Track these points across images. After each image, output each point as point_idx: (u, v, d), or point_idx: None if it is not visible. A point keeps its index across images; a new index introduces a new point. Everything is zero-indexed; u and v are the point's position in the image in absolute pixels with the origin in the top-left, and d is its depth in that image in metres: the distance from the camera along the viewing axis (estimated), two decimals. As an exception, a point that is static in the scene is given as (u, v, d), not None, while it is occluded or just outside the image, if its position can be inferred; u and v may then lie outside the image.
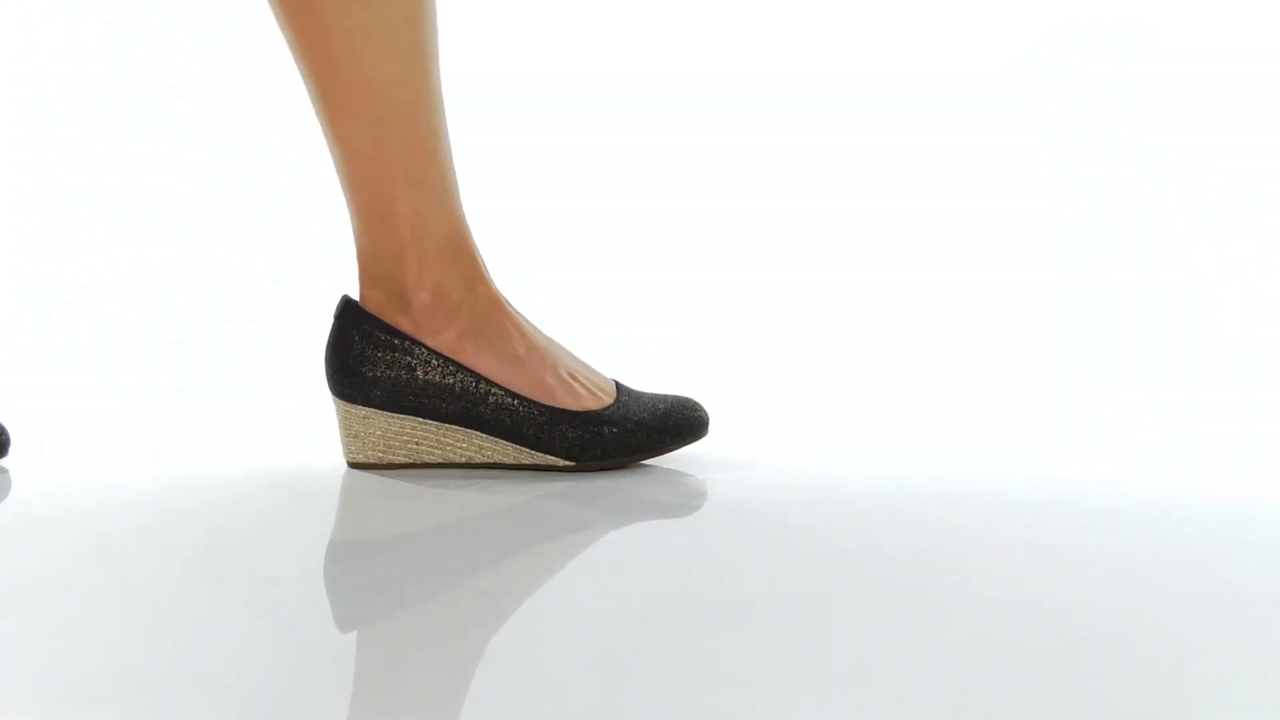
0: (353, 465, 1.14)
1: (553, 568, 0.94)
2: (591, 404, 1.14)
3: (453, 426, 1.12)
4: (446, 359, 1.12)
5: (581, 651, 0.75)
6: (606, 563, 0.94)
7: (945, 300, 1.96)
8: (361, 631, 0.78)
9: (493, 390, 1.12)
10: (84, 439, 1.28)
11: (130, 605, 0.81)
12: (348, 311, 1.12)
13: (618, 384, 1.16)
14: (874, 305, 1.93)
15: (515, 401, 1.12)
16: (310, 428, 1.27)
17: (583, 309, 1.35)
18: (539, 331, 1.16)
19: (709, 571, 0.90)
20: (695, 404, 1.17)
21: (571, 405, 1.13)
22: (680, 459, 1.17)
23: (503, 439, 1.13)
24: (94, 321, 1.95)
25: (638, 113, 2.30)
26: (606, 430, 1.13)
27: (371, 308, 1.13)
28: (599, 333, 1.39)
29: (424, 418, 1.12)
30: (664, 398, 1.17)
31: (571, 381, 1.14)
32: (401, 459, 1.13)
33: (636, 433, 1.14)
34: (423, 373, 1.12)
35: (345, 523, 1.04)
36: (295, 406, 1.42)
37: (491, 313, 1.14)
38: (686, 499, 1.11)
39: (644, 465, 1.15)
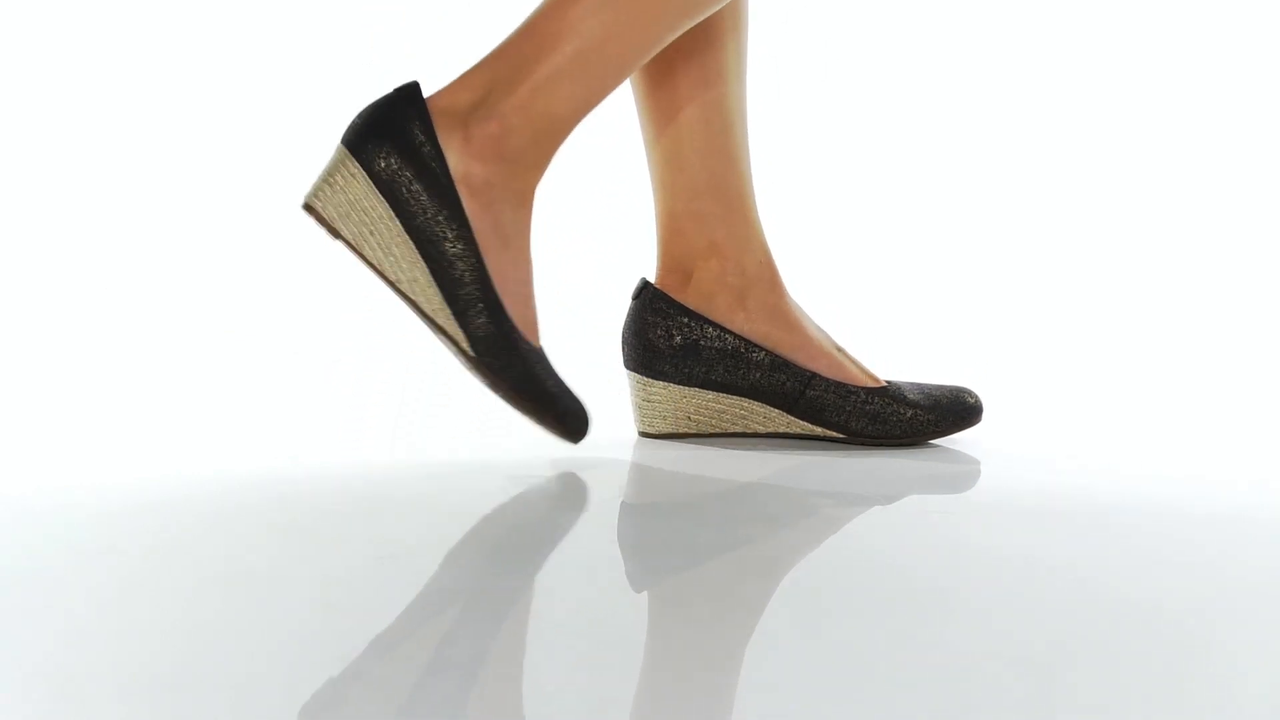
0: (644, 435, 1.26)
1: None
2: (871, 384, 1.23)
3: (736, 398, 1.23)
4: (738, 335, 1.22)
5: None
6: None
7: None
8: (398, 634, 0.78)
9: (786, 364, 1.21)
10: (78, 439, 1.28)
11: (151, 603, 0.81)
12: (645, 291, 1.24)
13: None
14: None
15: (804, 374, 1.22)
16: (310, 426, 1.27)
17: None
18: (809, 317, 1.26)
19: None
20: (970, 392, 1.25)
21: (864, 382, 1.23)
22: (954, 442, 1.26)
23: (788, 411, 1.23)
24: (93, 320, 1.95)
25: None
26: (898, 409, 1.22)
27: (666, 288, 1.24)
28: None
29: (711, 390, 1.23)
30: (936, 385, 1.26)
31: (849, 363, 1.24)
32: (686, 429, 1.25)
33: (921, 415, 1.22)
34: (712, 347, 1.22)
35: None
36: (291, 406, 1.42)
37: (777, 296, 1.23)
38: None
39: (925, 445, 1.24)
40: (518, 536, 0.98)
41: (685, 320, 1.23)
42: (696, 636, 0.78)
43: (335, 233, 1.08)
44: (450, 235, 1.08)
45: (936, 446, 1.24)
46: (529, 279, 1.13)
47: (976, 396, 1.25)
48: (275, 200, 2.42)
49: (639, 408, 1.26)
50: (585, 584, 0.87)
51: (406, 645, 0.75)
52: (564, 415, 1.12)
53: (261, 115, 2.35)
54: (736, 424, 1.25)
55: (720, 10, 1.21)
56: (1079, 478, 1.17)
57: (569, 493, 1.07)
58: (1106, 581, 0.87)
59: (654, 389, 1.24)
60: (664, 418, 1.25)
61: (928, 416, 1.23)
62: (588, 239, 2.19)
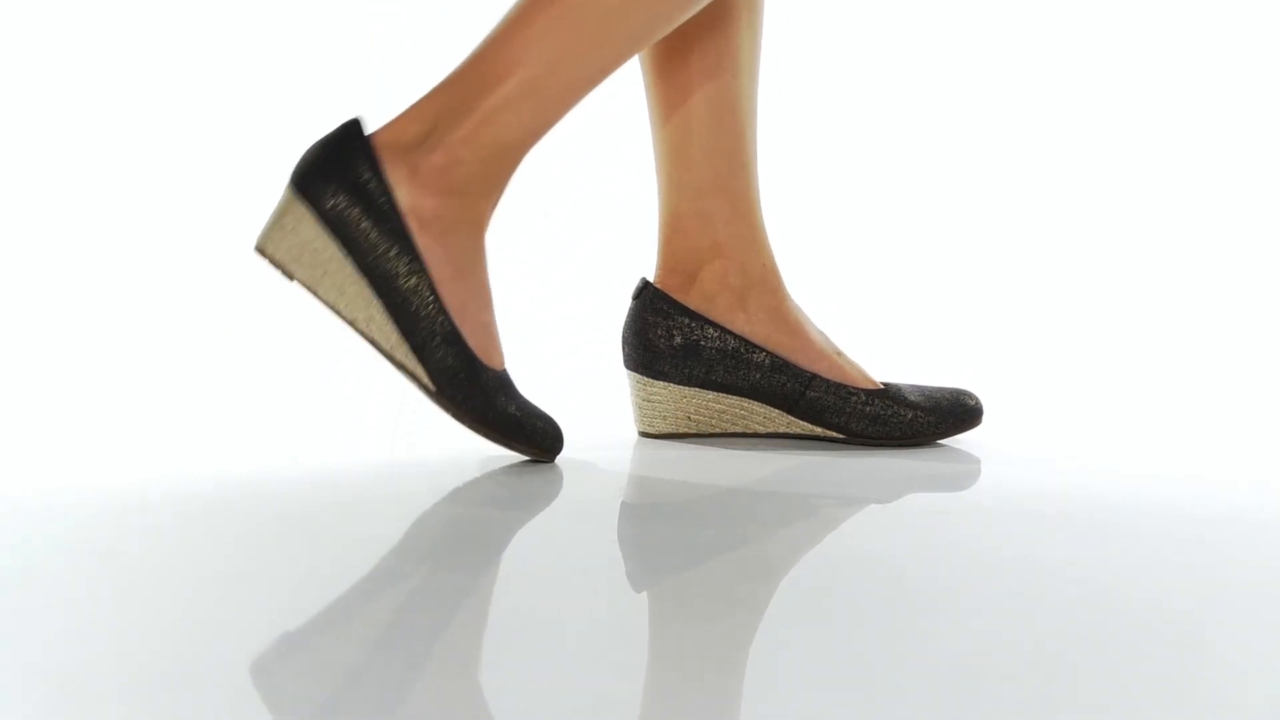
0: (644, 435, 1.27)
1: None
2: (871, 387, 1.24)
3: (736, 398, 1.24)
4: (739, 336, 1.23)
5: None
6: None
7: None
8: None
9: (786, 365, 1.23)
10: (78, 439, 1.28)
11: (151, 603, 0.81)
12: (645, 292, 1.25)
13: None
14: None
15: (804, 376, 1.23)
16: (305, 424, 1.27)
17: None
18: (810, 320, 1.26)
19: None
20: (971, 394, 1.26)
21: (864, 385, 1.24)
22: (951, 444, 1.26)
23: (788, 412, 1.24)
24: (94, 318, 1.95)
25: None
26: (898, 411, 1.23)
27: (667, 288, 1.25)
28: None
29: (711, 390, 1.24)
30: (936, 387, 1.26)
31: (849, 366, 1.24)
32: (686, 429, 1.25)
33: (921, 417, 1.23)
34: (713, 348, 1.23)
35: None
36: (291, 404, 1.42)
37: (778, 298, 1.24)
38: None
39: (925, 446, 1.24)
40: (518, 537, 0.98)
41: (686, 320, 1.23)
42: (696, 636, 0.77)
43: (289, 275, 1.08)
44: (403, 270, 1.07)
45: (936, 447, 1.24)
46: (488, 305, 1.12)
47: (977, 399, 1.25)
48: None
49: (639, 408, 1.26)
50: (585, 584, 0.87)
51: (406, 645, 0.75)
52: (533, 436, 1.12)
53: (261, 115, 2.35)
54: (737, 424, 1.25)
55: (737, 10, 1.21)
56: (1079, 478, 1.17)
57: (569, 493, 1.07)
58: (1106, 582, 0.87)
59: (654, 389, 1.24)
60: (664, 418, 1.25)
61: (928, 418, 1.23)
62: (588, 238, 2.19)
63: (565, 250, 2.18)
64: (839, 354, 1.25)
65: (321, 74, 2.31)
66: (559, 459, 1.15)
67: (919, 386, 1.25)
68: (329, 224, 1.07)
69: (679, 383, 1.24)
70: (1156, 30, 2.43)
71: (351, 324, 1.08)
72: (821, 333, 1.26)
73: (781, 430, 1.25)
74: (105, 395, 1.48)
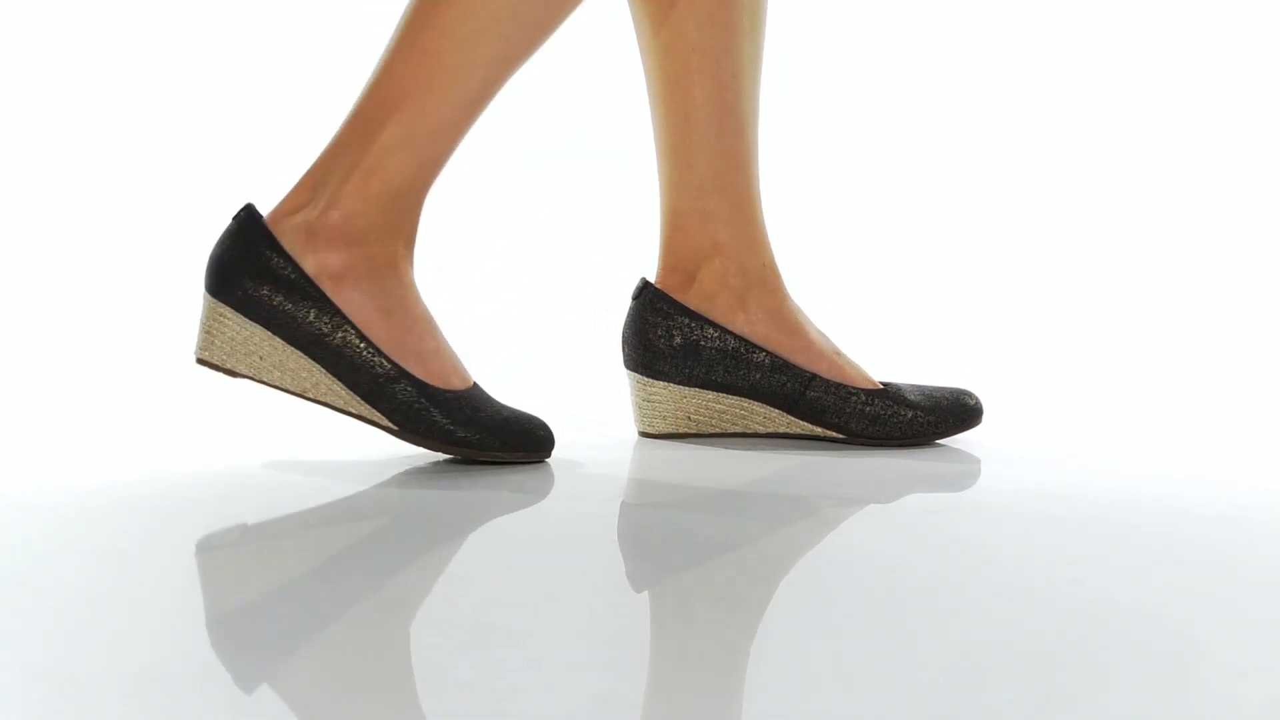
0: (644, 435, 1.27)
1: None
2: (869, 387, 1.24)
3: (736, 398, 1.24)
4: (739, 336, 1.23)
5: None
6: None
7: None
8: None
9: (786, 366, 1.23)
10: (78, 439, 1.28)
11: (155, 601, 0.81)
12: (645, 292, 1.25)
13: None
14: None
15: (804, 376, 1.23)
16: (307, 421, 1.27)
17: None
18: (810, 320, 1.26)
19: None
20: (970, 394, 1.25)
21: (863, 385, 1.24)
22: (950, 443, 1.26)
23: (788, 412, 1.24)
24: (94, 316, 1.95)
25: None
26: (898, 410, 1.22)
27: (667, 287, 1.25)
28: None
29: (711, 390, 1.24)
30: (936, 387, 1.26)
31: (848, 367, 1.25)
32: (687, 429, 1.25)
33: (921, 416, 1.22)
34: (713, 348, 1.23)
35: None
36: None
37: (778, 299, 1.25)
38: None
39: (925, 446, 1.24)
40: (518, 537, 0.98)
41: (686, 321, 1.23)
42: (696, 636, 0.77)
43: (233, 373, 1.11)
44: (326, 328, 1.09)
45: (936, 447, 1.24)
46: (429, 333, 1.13)
47: (977, 398, 1.25)
48: (274, 201, 2.41)
49: (639, 408, 1.26)
50: (585, 584, 0.87)
51: (405, 645, 0.75)
52: (512, 441, 1.12)
53: (262, 115, 2.35)
54: (737, 424, 1.25)
55: (739, 11, 1.21)
56: (1079, 478, 1.17)
57: (569, 493, 1.07)
58: (1106, 582, 0.87)
59: (654, 389, 1.24)
60: (664, 418, 1.25)
61: (928, 418, 1.23)
62: (587, 238, 2.19)
63: (564, 250, 2.19)
64: (838, 354, 1.25)
65: (321, 74, 2.31)
66: (558, 460, 1.15)
67: (919, 386, 1.25)
68: (248, 312, 1.10)
69: (679, 383, 1.24)
70: (1157, 30, 2.43)
71: (302, 395, 1.11)
72: (821, 333, 1.26)
73: (781, 430, 1.25)
74: (105, 395, 1.48)
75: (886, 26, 2.46)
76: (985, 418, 1.26)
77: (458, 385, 1.12)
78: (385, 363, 1.10)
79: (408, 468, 1.13)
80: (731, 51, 1.22)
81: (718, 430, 1.25)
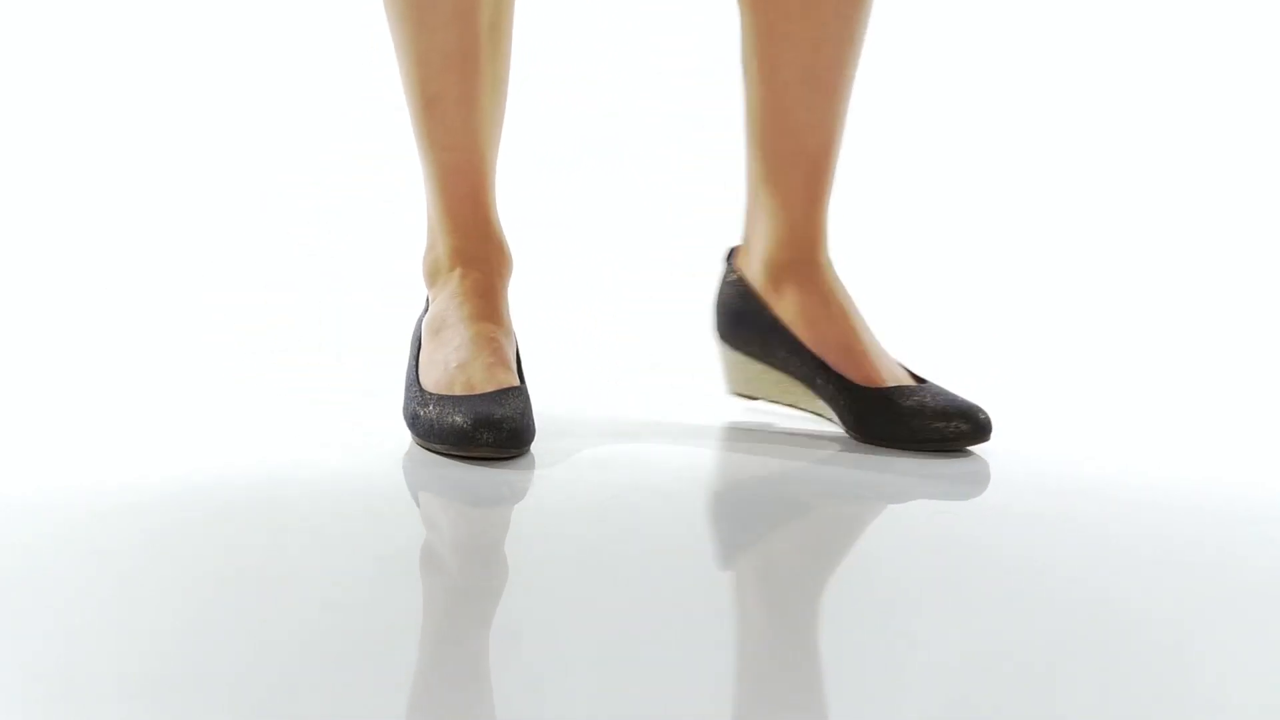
0: (732, 394, 1.40)
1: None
2: (880, 385, 1.26)
3: (788, 377, 1.33)
4: (785, 328, 1.31)
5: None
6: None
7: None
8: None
9: (801, 349, 1.30)
10: (78, 439, 1.28)
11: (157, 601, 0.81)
12: (729, 260, 1.38)
13: (910, 372, 1.29)
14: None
15: (815, 363, 1.28)
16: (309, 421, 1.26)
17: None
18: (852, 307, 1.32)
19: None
20: (981, 409, 1.23)
21: (876, 383, 1.25)
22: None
23: (828, 403, 1.29)
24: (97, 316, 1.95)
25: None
26: (905, 413, 1.22)
27: (746, 273, 1.35)
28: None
29: (769, 365, 1.34)
30: (948, 395, 1.25)
31: (864, 361, 1.27)
32: (760, 396, 1.37)
33: (937, 423, 1.22)
34: (766, 324, 1.33)
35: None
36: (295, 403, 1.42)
37: (817, 283, 1.31)
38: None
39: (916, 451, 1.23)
40: (517, 537, 0.98)
41: (753, 298, 1.34)
42: (696, 636, 0.77)
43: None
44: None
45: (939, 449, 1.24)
46: (451, 346, 1.21)
47: (987, 414, 1.22)
48: (274, 201, 2.42)
49: (725, 372, 1.39)
50: (585, 585, 0.87)
51: (403, 646, 0.75)
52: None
53: (262, 115, 2.35)
54: (786, 398, 1.34)
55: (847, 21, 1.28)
56: (1081, 478, 1.16)
57: (568, 494, 1.07)
58: (1106, 582, 0.87)
59: (737, 357, 1.37)
60: (741, 384, 1.38)
61: (935, 424, 1.21)
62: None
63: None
64: (852, 348, 1.27)
65: (321, 74, 2.31)
66: (560, 460, 1.15)
67: (931, 388, 1.24)
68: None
69: (754, 357, 1.35)
70: (1165, 32, 2.43)
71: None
72: (853, 325, 1.29)
73: (815, 411, 1.32)
74: (105, 395, 1.48)
75: (896, 26, 2.46)
76: (994, 425, 1.24)
77: (462, 390, 1.17)
78: (414, 380, 1.22)
79: (406, 468, 1.13)
80: (818, 29, 1.28)
81: (775, 400, 1.36)
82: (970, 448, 1.22)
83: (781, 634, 0.78)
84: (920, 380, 1.26)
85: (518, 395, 1.16)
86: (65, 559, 0.89)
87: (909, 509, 1.07)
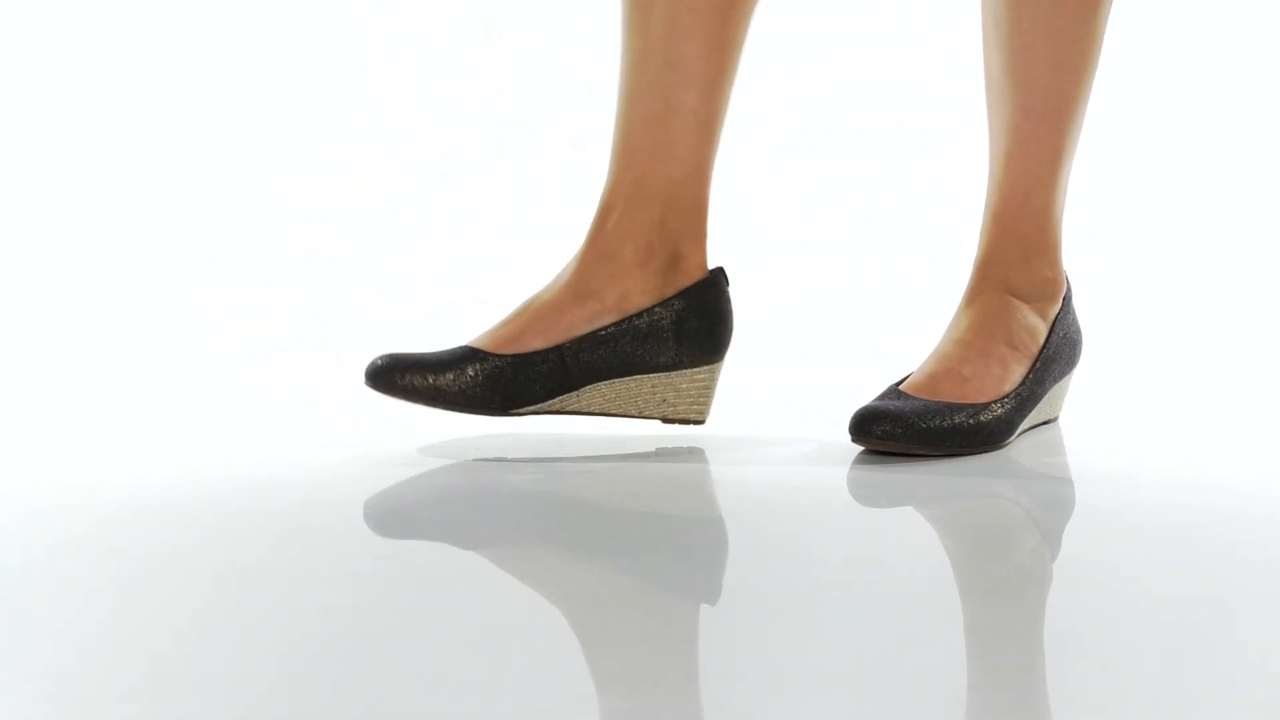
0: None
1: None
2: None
3: None
4: None
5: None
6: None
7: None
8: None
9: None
10: (78, 439, 1.28)
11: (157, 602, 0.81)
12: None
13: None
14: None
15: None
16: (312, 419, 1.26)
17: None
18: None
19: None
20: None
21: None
22: None
23: None
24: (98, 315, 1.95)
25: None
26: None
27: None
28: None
29: None
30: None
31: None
32: None
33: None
34: None
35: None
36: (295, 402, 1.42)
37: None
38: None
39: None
40: (517, 538, 0.98)
41: None
42: (696, 636, 0.77)
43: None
44: None
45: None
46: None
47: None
48: (274, 201, 2.42)
49: None
50: (584, 585, 0.87)
51: (403, 646, 0.75)
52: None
53: (262, 116, 2.35)
54: None
55: None
56: (1084, 480, 1.16)
57: (569, 494, 1.07)
58: (1107, 582, 0.87)
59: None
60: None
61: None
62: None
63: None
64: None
65: (321, 74, 2.31)
66: (559, 460, 1.14)
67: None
68: None
69: None
70: (1165, 33, 2.42)
71: None
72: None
73: None
74: (105, 395, 1.48)
75: (888, 25, 2.46)
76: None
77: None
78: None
79: (406, 468, 1.13)
80: None
81: None
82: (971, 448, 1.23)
83: (779, 634, 0.78)
84: None
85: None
86: (65, 559, 0.89)
87: (907, 510, 1.07)
